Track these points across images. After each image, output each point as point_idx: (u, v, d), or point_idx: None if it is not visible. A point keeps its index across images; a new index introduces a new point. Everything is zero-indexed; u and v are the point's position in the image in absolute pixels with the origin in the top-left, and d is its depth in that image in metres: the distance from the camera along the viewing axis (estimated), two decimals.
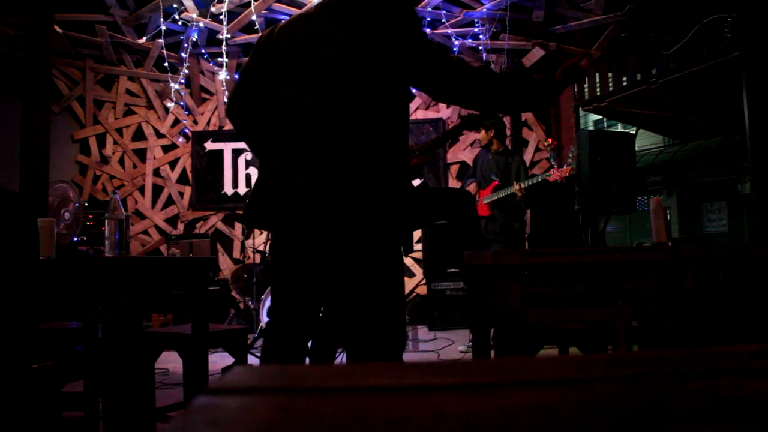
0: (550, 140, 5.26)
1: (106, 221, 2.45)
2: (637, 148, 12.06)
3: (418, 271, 7.47)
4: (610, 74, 6.80)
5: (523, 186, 4.70)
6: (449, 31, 6.70)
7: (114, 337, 2.06)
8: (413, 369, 0.47)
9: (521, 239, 5.23)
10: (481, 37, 6.64)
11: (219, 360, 4.53)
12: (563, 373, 0.46)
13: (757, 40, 4.82)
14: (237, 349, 3.13)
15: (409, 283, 7.48)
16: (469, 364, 0.48)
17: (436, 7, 6.39)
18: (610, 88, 6.80)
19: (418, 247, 7.45)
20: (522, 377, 0.45)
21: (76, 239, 5.72)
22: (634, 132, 9.21)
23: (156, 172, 7.89)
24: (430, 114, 7.74)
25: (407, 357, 5.11)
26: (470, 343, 4.44)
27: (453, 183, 7.49)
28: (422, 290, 7.33)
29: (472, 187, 5.07)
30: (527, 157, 7.21)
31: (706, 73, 5.75)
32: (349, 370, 0.48)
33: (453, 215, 2.40)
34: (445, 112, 7.67)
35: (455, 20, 6.56)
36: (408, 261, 7.53)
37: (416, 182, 7.75)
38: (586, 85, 7.15)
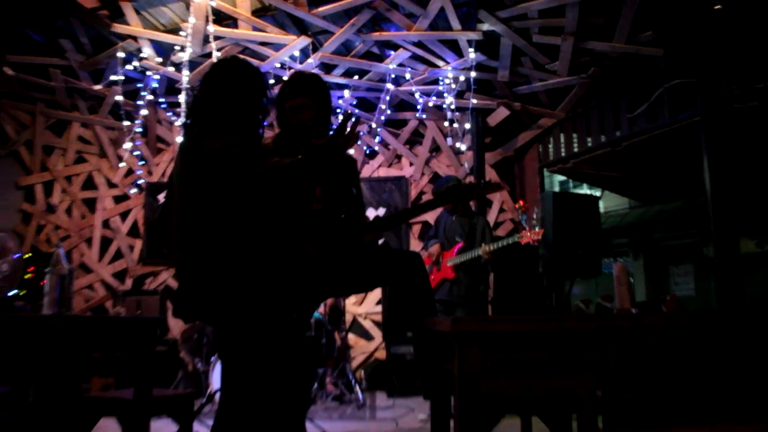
0: (521, 202, 5.32)
1: (47, 275, 2.39)
2: (602, 210, 12.34)
3: (377, 333, 7.40)
4: (575, 135, 7.00)
5: (492, 248, 4.70)
6: (413, 88, 6.85)
7: (46, 403, 1.98)
8: None
9: (485, 303, 5.24)
10: (445, 95, 6.79)
11: (163, 428, 4.37)
12: None
13: (716, 105, 5.03)
14: (182, 416, 3.03)
15: (367, 347, 7.40)
16: None
17: (400, 65, 6.55)
18: (575, 149, 6.98)
19: (378, 309, 7.40)
20: None
21: (12, 293, 5.54)
22: (599, 194, 9.44)
23: (105, 224, 7.76)
24: (393, 172, 7.82)
25: (365, 426, 5.02)
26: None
27: (415, 243, 7.52)
28: (381, 354, 7.25)
29: (435, 249, 5.09)
30: (491, 217, 7.30)
31: (669, 136, 5.95)
32: None
33: (399, 279, 2.40)
34: (407, 170, 7.76)
35: (419, 78, 6.72)
36: (367, 323, 7.47)
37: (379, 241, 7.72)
38: (551, 146, 7.33)
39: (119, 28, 6.11)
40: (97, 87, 7.00)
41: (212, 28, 5.99)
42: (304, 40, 6.19)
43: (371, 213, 7.67)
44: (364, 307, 7.49)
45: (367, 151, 7.86)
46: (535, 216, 4.60)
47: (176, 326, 7.32)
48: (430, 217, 7.47)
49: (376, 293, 7.37)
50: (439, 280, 5.05)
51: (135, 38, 6.27)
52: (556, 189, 14.27)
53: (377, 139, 7.70)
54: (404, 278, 2.38)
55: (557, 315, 4.15)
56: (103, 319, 2.78)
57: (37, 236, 7.63)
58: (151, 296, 6.67)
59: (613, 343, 2.32)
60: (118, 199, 7.84)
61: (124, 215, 7.81)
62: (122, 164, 7.74)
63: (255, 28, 6.12)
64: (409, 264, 2.40)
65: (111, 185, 7.84)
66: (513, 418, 3.08)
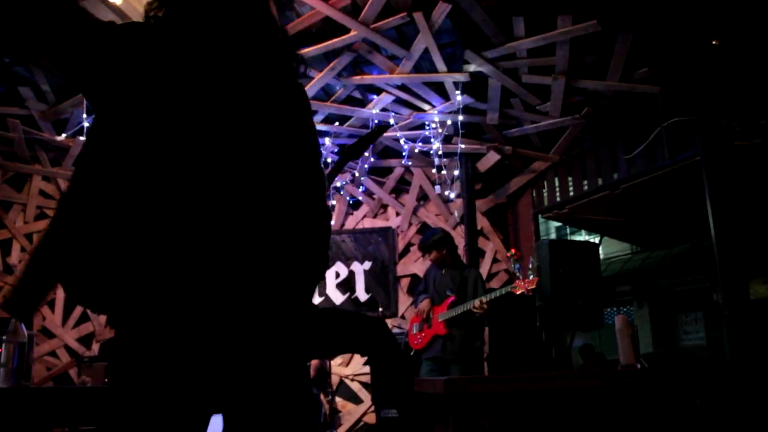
0: (513, 250, 5.36)
1: (4, 344, 2.37)
2: (602, 256, 12.37)
3: (366, 396, 7.31)
4: (570, 179, 7.07)
5: (485, 300, 4.71)
6: (398, 134, 6.91)
7: None
8: None
9: (480, 359, 5.23)
10: (432, 140, 6.86)
11: None
12: None
13: (717, 143, 5.10)
14: None
15: (355, 411, 7.30)
16: None
17: (384, 109, 6.62)
18: (571, 194, 7.04)
19: (366, 369, 7.32)
20: None
21: None
22: (598, 240, 9.49)
23: None
24: (379, 222, 7.84)
25: None
26: None
27: (403, 297, 7.50)
28: (371, 419, 7.16)
29: (425, 304, 5.11)
30: (484, 269, 7.31)
31: (670, 177, 6.02)
32: None
33: (365, 350, 2.30)
34: (394, 220, 7.79)
35: (404, 122, 6.78)
36: (354, 385, 7.38)
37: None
38: (545, 191, 7.40)
39: None
40: (60, 138, 7.00)
41: None
42: None
43: (357, 267, 7.67)
44: (351, 368, 7.42)
45: (351, 201, 7.89)
46: (530, 266, 4.63)
47: None
48: (419, 270, 7.47)
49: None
50: (430, 337, 5.04)
51: None
52: (553, 236, 14.36)
53: (361, 189, 7.73)
54: (373, 350, 2.26)
55: (558, 372, 4.13)
56: (67, 390, 2.74)
57: None
58: None
59: (620, 401, 2.31)
60: None
61: None
62: None
63: None
64: (374, 333, 2.26)
65: None
66: None
